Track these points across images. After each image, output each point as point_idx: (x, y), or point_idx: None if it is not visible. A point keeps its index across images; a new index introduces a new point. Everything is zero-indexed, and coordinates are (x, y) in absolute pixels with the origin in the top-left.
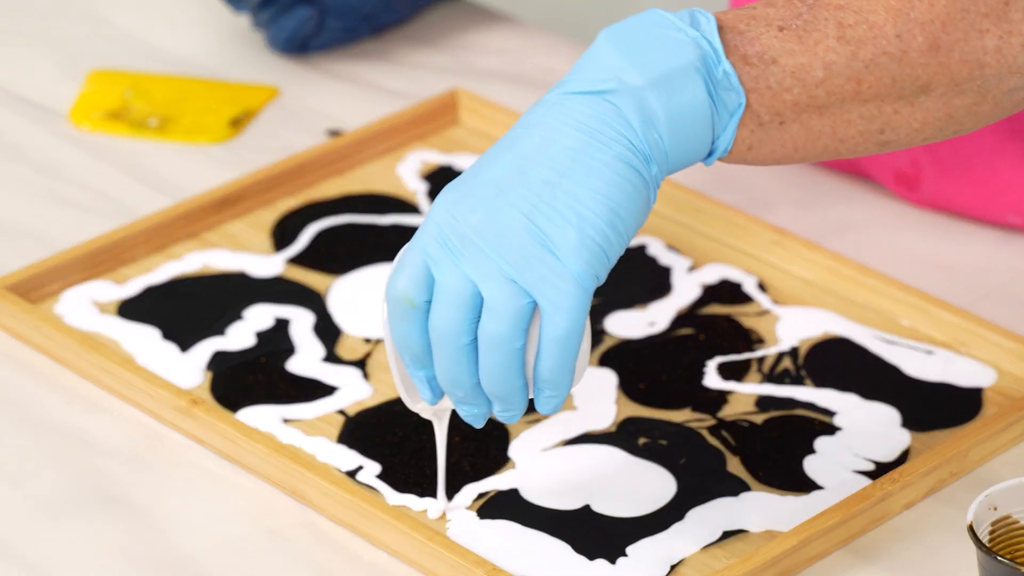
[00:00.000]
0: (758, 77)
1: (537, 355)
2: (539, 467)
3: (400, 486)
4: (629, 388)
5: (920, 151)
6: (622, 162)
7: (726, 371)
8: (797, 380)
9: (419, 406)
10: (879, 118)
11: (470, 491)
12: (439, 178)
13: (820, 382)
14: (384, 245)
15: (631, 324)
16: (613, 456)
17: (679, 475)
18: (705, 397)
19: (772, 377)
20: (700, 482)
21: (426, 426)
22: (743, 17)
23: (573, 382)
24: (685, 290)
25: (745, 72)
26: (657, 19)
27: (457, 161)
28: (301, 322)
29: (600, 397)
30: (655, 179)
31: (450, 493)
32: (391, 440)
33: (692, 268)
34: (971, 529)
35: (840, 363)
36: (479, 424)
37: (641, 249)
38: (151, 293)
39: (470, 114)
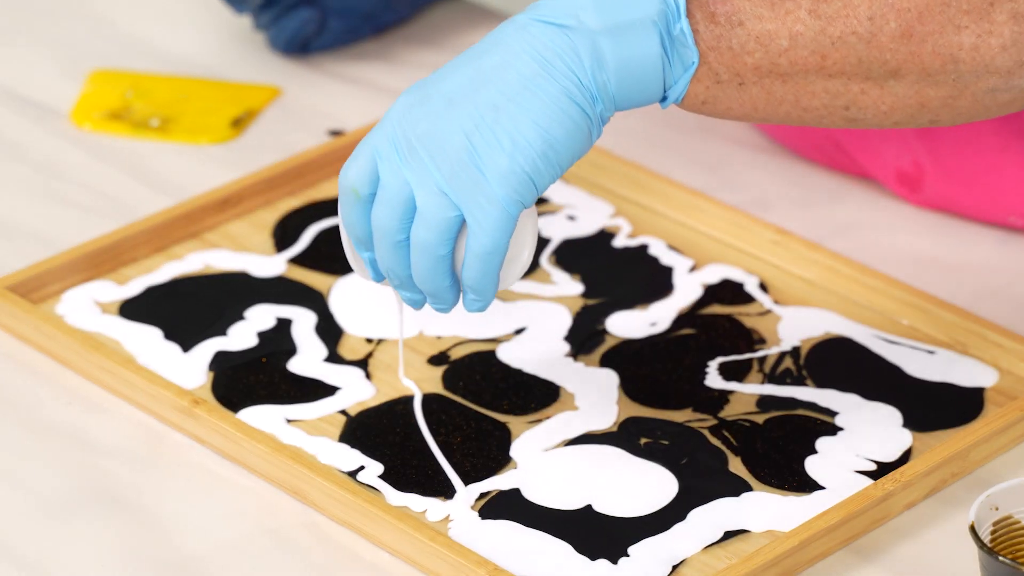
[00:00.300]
0: (721, 36)
1: (463, 264)
2: (541, 467)
3: (402, 486)
4: (631, 388)
5: (922, 152)
6: (567, 97)
7: (727, 371)
8: (798, 380)
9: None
10: (844, 95)
11: (472, 491)
12: None
13: (821, 382)
14: None
15: (632, 324)
16: (615, 456)
17: (681, 475)
18: (706, 397)
19: (773, 377)
20: (702, 482)
21: (429, 426)
22: None
23: (500, 287)
24: (686, 290)
25: (709, 30)
26: None
27: None
28: (303, 322)
29: (602, 397)
30: (600, 116)
31: (449, 492)
32: (393, 440)
33: (693, 268)
34: (972, 529)
35: (841, 363)
36: (417, 308)
37: (642, 249)
38: (152, 293)
39: None
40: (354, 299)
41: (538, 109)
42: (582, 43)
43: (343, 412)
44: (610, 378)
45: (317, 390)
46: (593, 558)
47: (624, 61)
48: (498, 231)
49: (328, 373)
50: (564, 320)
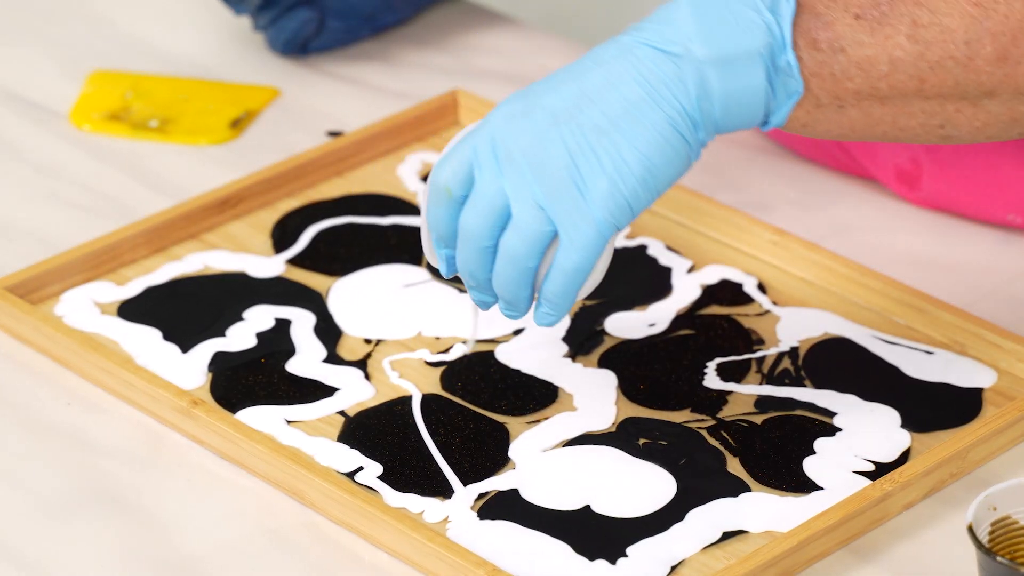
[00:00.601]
0: (823, 63)
1: (546, 277)
2: (539, 468)
3: (400, 486)
4: (629, 389)
5: (920, 150)
6: (670, 125)
7: (726, 372)
8: (797, 381)
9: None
10: (940, 114)
11: (470, 491)
12: None
13: (820, 383)
14: (384, 246)
15: (631, 325)
16: (613, 457)
17: (679, 476)
18: (705, 398)
19: (772, 378)
20: (700, 483)
21: (427, 427)
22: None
23: (575, 301)
24: (685, 291)
25: (811, 56)
26: None
27: None
28: (302, 323)
29: (600, 398)
30: (700, 142)
31: (448, 492)
32: (391, 440)
33: (692, 269)
34: (971, 529)
35: (840, 364)
36: (485, 309)
37: (641, 250)
38: (151, 294)
39: (470, 115)
40: (353, 300)
41: (641, 136)
42: (689, 72)
43: (342, 413)
44: (608, 379)
45: (316, 391)
46: (592, 558)
47: (730, 92)
48: (590, 251)
49: (327, 374)
50: (563, 321)
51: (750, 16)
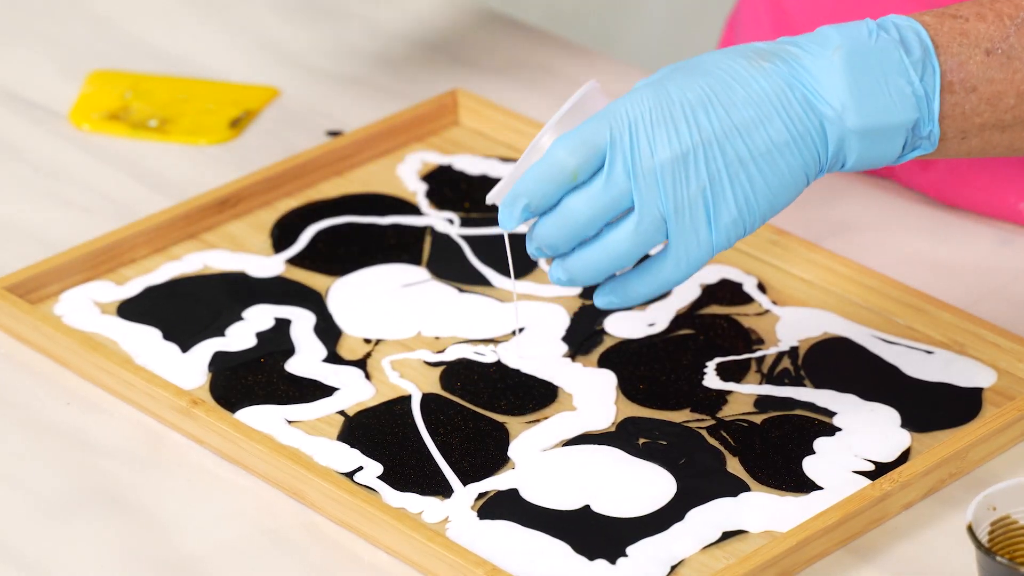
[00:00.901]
0: (956, 104)
1: (635, 274)
2: (539, 467)
3: (400, 486)
4: (629, 388)
5: None
6: (803, 172)
7: (725, 371)
8: (796, 380)
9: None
10: None
11: (470, 491)
12: (439, 179)
13: (819, 382)
14: (384, 246)
15: (631, 324)
16: (613, 456)
17: (679, 475)
18: (705, 397)
19: (772, 377)
20: (700, 482)
21: (427, 426)
22: (956, 34)
23: None
24: (685, 291)
25: (946, 100)
26: (893, 56)
27: (457, 162)
28: (301, 322)
29: (600, 397)
30: (817, 178)
31: (447, 492)
32: (391, 440)
33: None
34: (970, 529)
35: (839, 363)
36: (533, 259)
37: None
38: (151, 294)
39: (470, 114)
40: (352, 300)
41: (776, 177)
42: (834, 134)
43: (342, 412)
44: (608, 378)
45: (316, 390)
46: (591, 558)
47: (866, 156)
48: (694, 269)
49: (327, 373)
50: (562, 320)
51: (902, 88)
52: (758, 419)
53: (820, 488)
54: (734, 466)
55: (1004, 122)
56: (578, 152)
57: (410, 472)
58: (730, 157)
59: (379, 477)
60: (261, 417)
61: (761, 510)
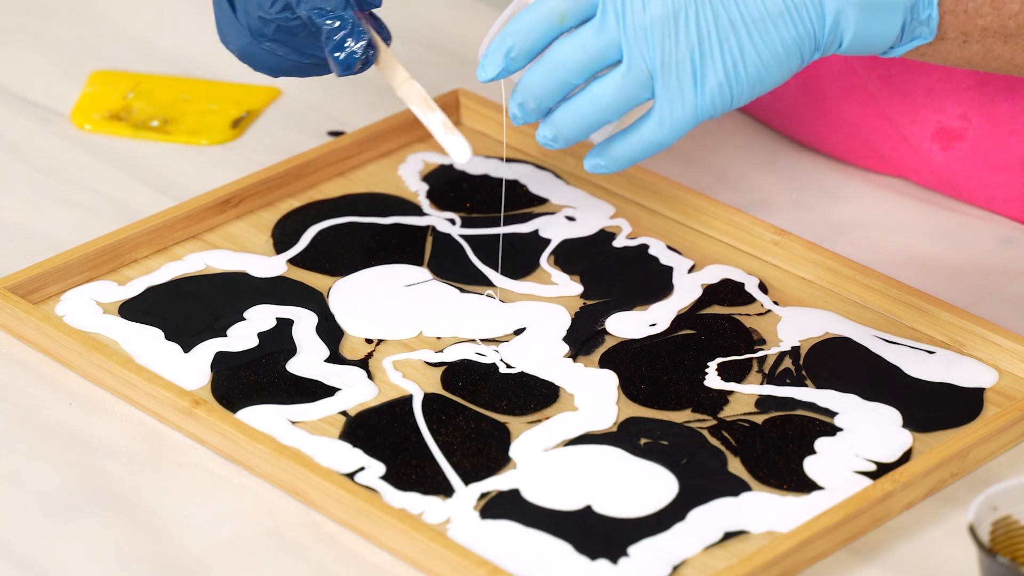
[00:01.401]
0: (959, 1)
1: (620, 136)
2: (540, 467)
3: (401, 486)
4: (630, 389)
5: (971, 105)
6: (796, 46)
7: (727, 371)
8: (798, 380)
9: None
10: None
11: (472, 491)
12: (440, 179)
13: (821, 382)
14: (385, 246)
15: (632, 325)
16: (614, 456)
17: (680, 475)
18: (706, 397)
19: (773, 377)
20: (701, 482)
21: (428, 426)
22: None
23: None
24: (686, 291)
25: None
26: None
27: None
28: (303, 322)
29: (601, 398)
30: (811, 59)
31: (449, 492)
32: (392, 440)
33: (693, 268)
34: (972, 529)
35: (841, 363)
36: (515, 123)
37: (642, 249)
38: (152, 294)
39: (471, 114)
40: (354, 300)
41: (767, 46)
42: (831, 5)
43: (343, 412)
44: (609, 378)
45: (317, 390)
46: (593, 558)
47: (863, 31)
48: (678, 132)
49: (328, 373)
50: (563, 320)
51: None
52: (759, 419)
53: (821, 488)
54: (735, 466)
55: (1008, 29)
56: None
57: (412, 472)
58: (722, 20)
59: (381, 477)
60: (262, 417)
61: (762, 510)
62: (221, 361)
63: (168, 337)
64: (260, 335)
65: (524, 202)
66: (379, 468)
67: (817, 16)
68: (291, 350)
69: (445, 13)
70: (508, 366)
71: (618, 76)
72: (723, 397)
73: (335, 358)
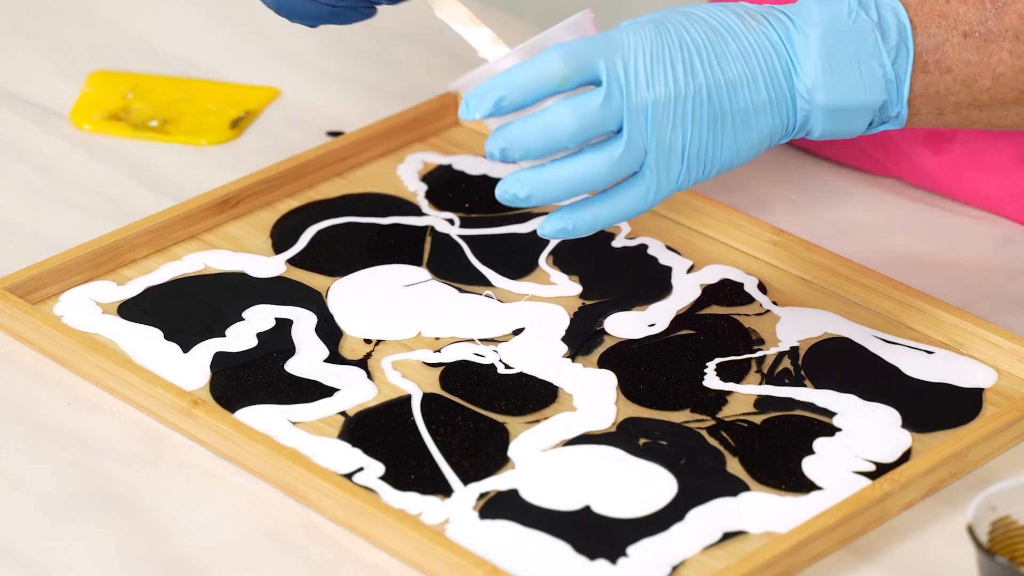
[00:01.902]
0: (929, 83)
1: (596, 199)
2: (539, 467)
3: (400, 486)
4: (629, 389)
5: None
6: (769, 136)
7: (726, 372)
8: (797, 381)
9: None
10: None
11: (470, 491)
12: (439, 179)
13: (820, 382)
14: (384, 246)
15: (631, 325)
16: (613, 457)
17: (679, 475)
18: (705, 398)
19: (772, 378)
20: (700, 482)
21: (427, 426)
22: (936, 15)
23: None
24: (685, 291)
25: (918, 80)
26: (868, 39)
27: (457, 162)
28: (302, 323)
29: (600, 398)
30: (780, 143)
31: (448, 492)
32: (391, 440)
33: (692, 269)
34: (970, 529)
35: (840, 363)
36: (490, 159)
37: (641, 250)
38: (151, 294)
39: None
40: (353, 300)
41: (744, 137)
42: (802, 107)
43: (342, 413)
44: (608, 379)
45: (316, 391)
46: (592, 558)
47: (831, 131)
48: (657, 203)
49: (327, 374)
50: (562, 321)
51: (874, 70)
52: (758, 419)
53: (820, 488)
54: (734, 466)
55: (981, 102)
56: (573, 62)
57: (410, 472)
58: (714, 108)
59: (380, 477)
60: (261, 417)
61: (761, 510)
62: (220, 361)
63: (167, 337)
64: (259, 335)
65: None
66: (378, 468)
67: (792, 112)
68: (290, 350)
69: None
70: (507, 366)
71: (616, 149)
72: (722, 397)
73: (334, 358)
